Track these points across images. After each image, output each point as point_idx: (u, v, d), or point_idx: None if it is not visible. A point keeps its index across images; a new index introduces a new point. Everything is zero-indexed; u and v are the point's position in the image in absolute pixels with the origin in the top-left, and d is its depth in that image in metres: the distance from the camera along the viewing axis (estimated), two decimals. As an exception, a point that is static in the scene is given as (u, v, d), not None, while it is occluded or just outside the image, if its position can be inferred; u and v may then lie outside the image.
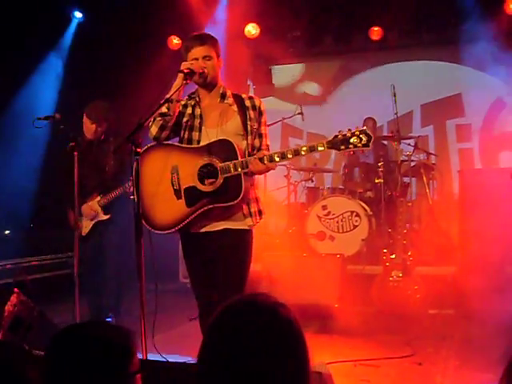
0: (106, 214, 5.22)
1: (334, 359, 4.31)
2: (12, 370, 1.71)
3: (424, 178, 7.00)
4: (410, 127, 8.50)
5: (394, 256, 5.75)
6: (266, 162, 3.35)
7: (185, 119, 3.60)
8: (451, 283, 5.87)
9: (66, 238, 5.32)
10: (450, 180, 7.91)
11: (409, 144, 7.14)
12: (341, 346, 4.75)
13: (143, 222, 3.44)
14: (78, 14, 8.01)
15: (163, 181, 3.54)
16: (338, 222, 6.69)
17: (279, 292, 5.10)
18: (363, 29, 8.18)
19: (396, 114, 6.86)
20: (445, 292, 5.67)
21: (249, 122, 3.55)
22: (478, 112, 8.20)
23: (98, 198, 5.21)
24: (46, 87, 7.72)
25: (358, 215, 6.64)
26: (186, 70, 3.42)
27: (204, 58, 3.52)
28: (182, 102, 3.63)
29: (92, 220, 5.25)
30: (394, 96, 6.84)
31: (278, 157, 3.35)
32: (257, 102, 3.62)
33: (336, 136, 3.33)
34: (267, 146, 3.64)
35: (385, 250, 5.89)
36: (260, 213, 3.61)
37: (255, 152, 3.56)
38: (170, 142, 3.63)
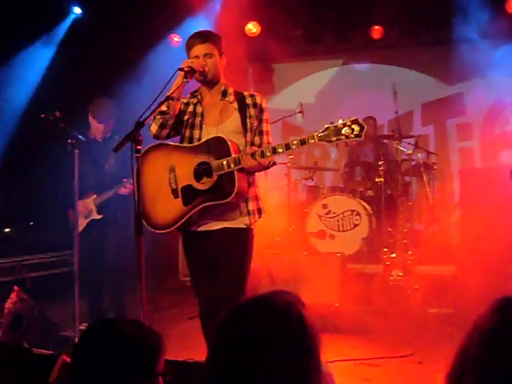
0: (99, 213, 5.16)
1: (335, 358, 4.30)
2: None
3: (424, 177, 7.00)
4: (411, 126, 8.49)
5: (394, 255, 5.75)
6: (257, 157, 3.32)
7: (186, 117, 3.60)
8: (451, 282, 5.87)
9: (66, 236, 5.30)
10: (451, 179, 7.90)
11: (409, 143, 7.14)
12: (341, 345, 4.75)
13: (143, 221, 3.44)
14: (77, 10, 7.99)
15: (162, 181, 3.55)
16: (338, 221, 6.69)
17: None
18: (364, 27, 8.16)
19: (397, 112, 6.86)
20: (445, 291, 5.67)
21: (248, 120, 3.54)
22: (479, 111, 8.19)
23: (94, 196, 5.17)
24: (25, 78, 7.69)
25: (358, 214, 6.64)
26: (186, 68, 3.41)
27: (205, 55, 3.51)
28: (184, 100, 3.62)
29: (86, 218, 5.21)
30: (395, 95, 6.84)
31: (269, 152, 3.32)
32: (258, 100, 3.61)
33: (327, 128, 3.26)
34: (269, 143, 3.60)
35: (385, 249, 5.89)
36: (259, 211, 3.60)
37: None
38: (170, 142, 3.62)
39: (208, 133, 3.53)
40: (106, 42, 7.77)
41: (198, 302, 3.66)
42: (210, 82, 3.58)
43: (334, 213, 6.72)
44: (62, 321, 4.91)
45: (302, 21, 8.35)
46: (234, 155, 3.37)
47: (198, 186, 3.46)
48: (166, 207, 3.55)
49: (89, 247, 5.02)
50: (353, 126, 3.23)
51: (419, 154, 7.15)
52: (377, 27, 8.03)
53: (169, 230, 3.56)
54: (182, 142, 3.63)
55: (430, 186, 7.09)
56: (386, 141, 7.71)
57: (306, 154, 8.41)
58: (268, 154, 3.33)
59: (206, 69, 3.49)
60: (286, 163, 7.11)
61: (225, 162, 3.37)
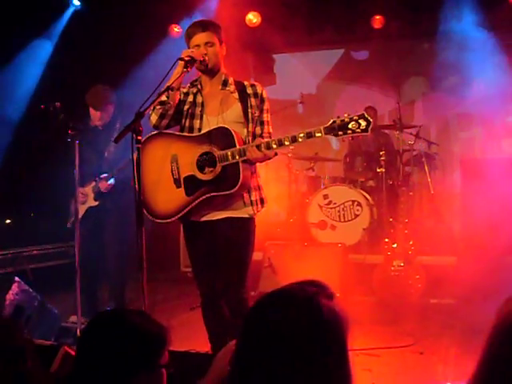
0: (95, 200, 5.13)
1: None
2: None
3: (426, 168, 6.99)
4: (412, 116, 8.46)
5: (395, 245, 5.74)
6: (263, 149, 3.32)
7: (186, 107, 3.58)
8: (452, 273, 5.87)
9: (66, 227, 5.29)
10: (452, 169, 7.88)
11: (410, 133, 7.12)
12: (342, 335, 4.74)
13: (144, 211, 3.43)
14: (76, 2, 7.95)
15: (163, 170, 3.53)
16: (339, 211, 6.68)
17: (280, 281, 5.09)
18: (365, 17, 8.12)
19: (398, 103, 6.84)
20: (446, 281, 5.66)
21: (250, 110, 3.53)
22: (480, 101, 8.16)
23: (94, 184, 5.16)
24: (29, 71, 7.68)
25: (359, 204, 6.63)
26: (186, 58, 3.38)
27: (206, 44, 3.49)
28: (184, 90, 3.60)
29: (83, 204, 5.19)
30: (396, 85, 6.82)
31: (275, 144, 3.32)
32: (259, 89, 3.59)
33: (334, 122, 3.27)
34: (269, 133, 3.60)
35: (386, 240, 5.88)
36: (262, 201, 3.60)
37: (261, 138, 3.53)
38: (170, 131, 3.61)
39: (209, 123, 3.52)
40: (106, 33, 7.73)
41: (200, 293, 3.66)
42: (210, 71, 3.56)
43: (335, 203, 6.71)
44: (63, 312, 4.91)
45: (302, 10, 8.30)
46: (238, 146, 3.36)
47: (202, 177, 3.44)
48: (167, 197, 3.53)
49: (86, 235, 4.93)
50: (359, 121, 3.24)
51: (420, 144, 7.13)
52: (378, 17, 7.98)
53: (171, 220, 3.55)
54: (182, 131, 3.61)
55: (431, 176, 7.08)
56: (387, 131, 7.69)
57: (307, 145, 8.39)
58: (274, 146, 3.32)
59: (207, 58, 3.47)
60: (286, 154, 7.10)
61: (229, 153, 3.36)
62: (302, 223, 6.81)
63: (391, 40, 8.52)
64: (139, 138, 3.05)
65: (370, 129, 3.24)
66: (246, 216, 3.54)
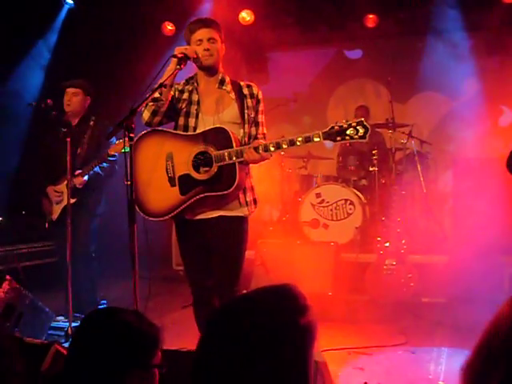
0: (72, 197, 4.90)
1: (328, 347, 4.31)
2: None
3: (418, 167, 6.99)
4: (405, 115, 8.47)
5: (387, 244, 5.75)
6: (260, 151, 3.32)
7: (181, 105, 3.56)
8: (444, 272, 5.88)
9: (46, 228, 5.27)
10: (444, 168, 7.90)
11: (403, 132, 7.13)
12: (334, 333, 4.75)
13: (137, 208, 3.42)
14: (69, 0, 7.91)
15: (158, 168, 3.51)
16: (331, 210, 6.68)
17: (273, 280, 5.09)
18: (358, 16, 8.11)
19: (391, 102, 6.84)
20: (438, 280, 5.68)
21: (246, 111, 3.53)
22: (473, 100, 8.17)
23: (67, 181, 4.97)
24: (31, 73, 7.65)
25: (352, 203, 6.63)
26: (179, 55, 3.36)
27: (209, 40, 3.47)
28: (179, 87, 3.58)
29: (58, 204, 5.12)
30: (389, 84, 6.83)
31: (273, 147, 3.32)
32: (255, 90, 3.59)
33: (332, 127, 3.28)
34: (264, 134, 3.61)
35: (379, 238, 5.89)
36: (255, 202, 3.62)
37: (251, 141, 3.53)
38: (165, 129, 3.59)
39: (204, 122, 3.51)
40: (100, 31, 7.70)
41: (192, 291, 3.65)
42: (208, 69, 3.54)
43: (328, 202, 6.70)
44: (55, 310, 4.89)
45: (295, 9, 8.29)
46: (236, 147, 3.35)
47: (197, 176, 3.43)
48: (161, 195, 3.52)
49: (63, 235, 4.76)
50: (357, 127, 3.27)
51: (413, 143, 7.15)
52: (371, 16, 7.98)
53: (164, 218, 3.54)
54: (176, 129, 3.59)
55: (424, 175, 7.09)
56: (379, 130, 7.69)
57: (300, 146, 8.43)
58: (272, 148, 3.33)
59: (200, 55, 3.45)
60: (279, 152, 7.08)
61: (226, 154, 3.35)
62: (295, 222, 6.81)
63: (384, 39, 8.53)
64: (131, 135, 3.04)
65: (367, 136, 3.26)
66: (241, 215, 3.54)
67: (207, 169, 3.41)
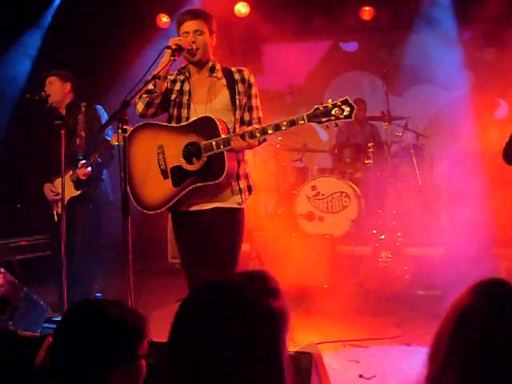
0: (77, 189, 4.89)
1: (323, 339, 4.32)
2: None
3: (414, 159, 6.99)
4: (401, 107, 8.45)
5: (383, 237, 5.75)
6: (247, 138, 3.30)
7: (173, 96, 3.55)
8: (440, 264, 5.88)
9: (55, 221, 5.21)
10: (440, 161, 7.89)
11: (399, 125, 7.11)
12: (330, 326, 4.75)
13: (133, 201, 3.42)
14: None
15: (151, 161, 3.51)
16: (327, 203, 6.67)
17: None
18: (354, 8, 8.09)
19: (387, 94, 6.83)
20: (434, 273, 5.68)
21: (237, 97, 3.50)
22: (468, 93, 8.16)
23: (71, 173, 4.94)
24: (21, 64, 7.61)
25: (347, 196, 6.62)
26: (173, 46, 3.34)
27: (195, 32, 3.44)
28: (171, 78, 3.56)
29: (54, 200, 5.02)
30: (385, 76, 6.81)
31: (258, 132, 3.30)
32: (246, 75, 3.56)
33: (317, 108, 3.23)
34: (259, 118, 3.58)
35: (374, 231, 5.89)
36: (250, 189, 3.58)
37: (245, 126, 3.50)
38: (158, 122, 3.58)
39: (196, 111, 3.49)
40: (95, 22, 7.66)
41: (188, 284, 3.63)
42: (198, 63, 3.51)
43: (323, 194, 6.69)
44: (50, 303, 4.87)
45: (291, 1, 8.27)
46: (223, 136, 3.33)
47: (188, 167, 3.42)
48: (155, 188, 3.51)
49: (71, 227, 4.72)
50: (343, 107, 3.20)
51: (409, 136, 7.14)
52: (367, 8, 7.96)
53: (159, 210, 3.54)
54: (169, 121, 3.58)
55: (420, 167, 7.08)
56: (375, 122, 7.68)
57: (295, 136, 8.39)
58: (257, 134, 3.30)
59: (195, 47, 3.42)
60: (275, 145, 7.08)
61: (214, 143, 3.33)
62: (290, 214, 6.80)
63: (380, 31, 8.50)
64: (125, 126, 3.02)
65: (353, 115, 3.19)
66: (235, 206, 3.52)
67: (198, 159, 3.40)
